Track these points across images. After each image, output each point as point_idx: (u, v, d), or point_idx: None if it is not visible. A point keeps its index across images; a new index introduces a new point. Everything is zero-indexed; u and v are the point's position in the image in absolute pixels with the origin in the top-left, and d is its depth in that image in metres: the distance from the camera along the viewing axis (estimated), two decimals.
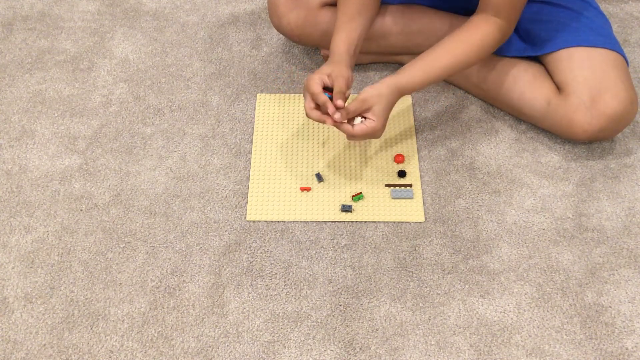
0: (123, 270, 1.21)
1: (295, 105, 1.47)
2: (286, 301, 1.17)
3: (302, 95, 1.49)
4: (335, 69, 1.23)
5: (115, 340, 1.12)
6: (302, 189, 1.32)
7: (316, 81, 1.21)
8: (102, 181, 1.34)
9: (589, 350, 1.12)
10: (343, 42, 1.28)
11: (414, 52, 1.50)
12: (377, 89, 1.21)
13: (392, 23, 1.44)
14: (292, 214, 1.29)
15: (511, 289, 1.19)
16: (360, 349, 1.12)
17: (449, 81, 1.50)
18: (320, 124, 1.43)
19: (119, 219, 1.28)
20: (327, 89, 1.22)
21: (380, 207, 1.30)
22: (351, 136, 1.22)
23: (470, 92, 1.48)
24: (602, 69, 1.31)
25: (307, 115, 1.22)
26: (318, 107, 1.22)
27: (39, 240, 1.25)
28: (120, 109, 1.47)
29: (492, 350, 1.12)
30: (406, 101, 1.48)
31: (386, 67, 1.55)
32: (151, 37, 1.63)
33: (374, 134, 1.22)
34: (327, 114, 1.20)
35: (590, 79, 1.30)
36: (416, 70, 1.25)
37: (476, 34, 1.27)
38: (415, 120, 1.44)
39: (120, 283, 1.19)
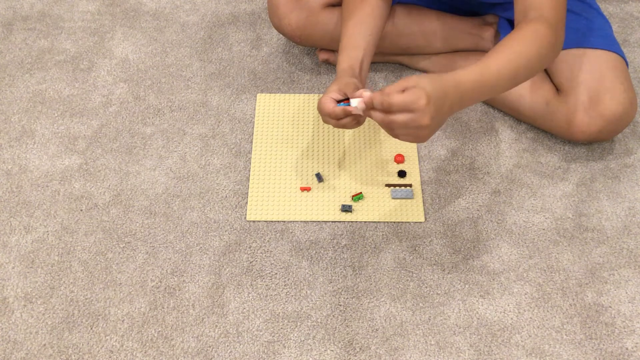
0: (123, 270, 1.21)
1: (295, 105, 1.47)
2: (286, 301, 1.17)
3: (302, 95, 1.49)
4: (341, 82, 1.18)
5: (115, 340, 1.12)
6: (302, 189, 1.32)
7: (327, 100, 1.14)
8: (102, 181, 1.34)
9: (589, 350, 1.12)
10: (344, 60, 1.24)
11: (414, 53, 1.50)
12: (421, 74, 1.08)
13: (391, 24, 1.44)
14: (292, 214, 1.29)
15: (511, 289, 1.19)
16: (360, 349, 1.12)
17: None
18: (322, 124, 1.43)
19: (119, 219, 1.28)
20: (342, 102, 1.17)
21: (380, 207, 1.30)
22: (389, 114, 1.02)
23: None
24: (601, 71, 1.31)
25: (344, 127, 1.15)
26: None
27: (39, 240, 1.25)
28: (120, 109, 1.47)
29: (492, 350, 1.12)
30: None
31: (386, 67, 1.55)
32: (151, 37, 1.63)
33: (417, 111, 0.99)
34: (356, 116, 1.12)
35: (589, 80, 1.30)
36: (471, 68, 1.08)
37: (526, 34, 1.13)
38: None
39: (120, 283, 1.19)
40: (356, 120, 1.14)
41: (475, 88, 1.07)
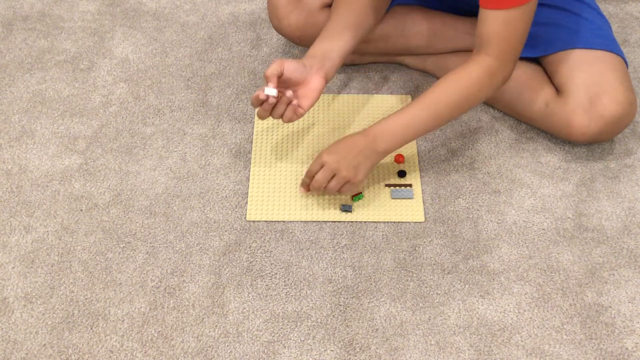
0: (123, 270, 1.21)
1: None
2: (286, 301, 1.17)
3: None
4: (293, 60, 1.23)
5: (115, 340, 1.12)
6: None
7: (259, 92, 1.20)
8: (102, 181, 1.34)
9: (589, 350, 1.12)
10: (312, 48, 1.28)
11: (414, 53, 1.50)
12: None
13: (391, 26, 1.44)
14: (292, 214, 1.29)
15: (511, 289, 1.19)
16: (360, 349, 1.12)
17: None
18: (322, 125, 1.44)
19: (119, 219, 1.28)
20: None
21: (380, 207, 1.30)
22: (315, 181, 1.24)
23: None
24: (600, 71, 1.30)
25: (252, 104, 1.22)
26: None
27: (39, 240, 1.25)
28: (120, 109, 1.47)
29: (492, 350, 1.12)
30: (406, 101, 1.48)
31: (386, 67, 1.55)
32: (151, 37, 1.63)
33: (324, 164, 1.22)
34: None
35: (589, 81, 1.30)
36: (386, 118, 1.23)
37: (459, 71, 1.21)
38: None
39: (120, 283, 1.19)
40: (270, 111, 1.22)
41: (390, 132, 1.21)
